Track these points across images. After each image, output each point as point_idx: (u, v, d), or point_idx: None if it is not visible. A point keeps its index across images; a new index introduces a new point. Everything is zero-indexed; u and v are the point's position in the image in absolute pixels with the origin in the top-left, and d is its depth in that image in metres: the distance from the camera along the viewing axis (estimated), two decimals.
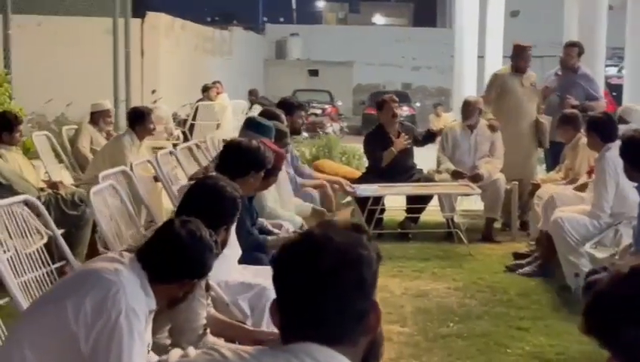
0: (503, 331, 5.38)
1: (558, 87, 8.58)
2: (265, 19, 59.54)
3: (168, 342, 3.31)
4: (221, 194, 3.39)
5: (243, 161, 4.34)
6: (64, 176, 7.86)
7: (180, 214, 3.16)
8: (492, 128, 8.40)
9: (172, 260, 2.81)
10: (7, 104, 9.01)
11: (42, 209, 4.53)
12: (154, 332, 3.03)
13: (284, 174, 5.85)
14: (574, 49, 8.60)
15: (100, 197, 4.79)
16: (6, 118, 6.59)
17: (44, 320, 2.69)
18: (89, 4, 12.97)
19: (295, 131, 7.59)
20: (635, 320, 1.42)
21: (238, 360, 1.64)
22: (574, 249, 6.06)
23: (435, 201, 8.28)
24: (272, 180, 4.87)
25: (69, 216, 6.15)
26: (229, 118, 15.10)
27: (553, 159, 8.31)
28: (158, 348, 3.14)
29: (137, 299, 2.70)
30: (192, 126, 14.44)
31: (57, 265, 4.31)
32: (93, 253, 6.33)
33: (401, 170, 8.24)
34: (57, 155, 8.29)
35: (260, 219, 5.00)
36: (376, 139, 8.34)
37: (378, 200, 7.77)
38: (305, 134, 14.90)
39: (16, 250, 4.02)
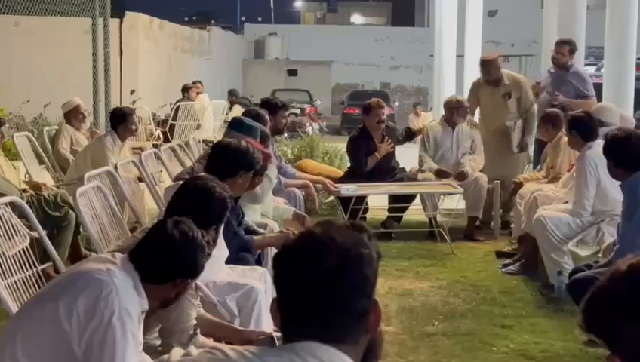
0: (488, 329, 5.42)
1: (550, 84, 8.60)
2: (243, 18, 59.47)
3: (158, 342, 3.31)
4: (211, 195, 3.40)
5: (232, 162, 4.34)
6: (45, 178, 7.81)
7: (170, 215, 3.15)
8: (472, 125, 8.45)
9: (165, 260, 2.81)
10: None
11: (28, 210, 4.50)
12: (144, 333, 3.03)
13: None
14: (565, 47, 8.56)
15: (85, 197, 4.77)
16: None
17: (36, 321, 2.68)
18: (67, 4, 12.88)
19: (278, 131, 7.60)
20: (633, 316, 1.44)
21: (241, 359, 1.64)
22: (557, 247, 6.10)
23: (417, 201, 8.31)
24: (259, 180, 4.87)
25: (52, 217, 6.12)
26: (209, 118, 15.07)
27: (540, 158, 8.35)
28: (148, 349, 3.13)
29: (130, 300, 2.70)
30: (172, 126, 14.40)
31: (43, 266, 4.29)
32: (75, 254, 6.32)
33: (384, 169, 8.26)
34: (38, 156, 8.24)
35: (245, 219, 4.99)
36: (361, 143, 8.31)
37: (361, 199, 7.78)
38: (284, 134, 14.88)
39: (2, 252, 3.99)
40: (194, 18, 62.26)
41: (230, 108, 16.74)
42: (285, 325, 1.66)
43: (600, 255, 5.57)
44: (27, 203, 5.56)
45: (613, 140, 4.85)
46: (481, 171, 8.29)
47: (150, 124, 14.02)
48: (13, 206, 4.49)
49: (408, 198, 8.29)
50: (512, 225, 7.85)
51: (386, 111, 8.70)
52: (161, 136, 13.75)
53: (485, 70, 8.63)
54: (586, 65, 9.79)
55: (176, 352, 1.70)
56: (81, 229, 6.09)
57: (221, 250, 4.04)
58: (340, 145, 10.19)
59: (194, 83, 16.41)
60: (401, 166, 8.57)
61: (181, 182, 3.86)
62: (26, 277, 4.03)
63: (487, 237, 8.18)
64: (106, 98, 11.74)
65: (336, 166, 9.65)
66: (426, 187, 8.13)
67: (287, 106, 8.42)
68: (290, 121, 16.19)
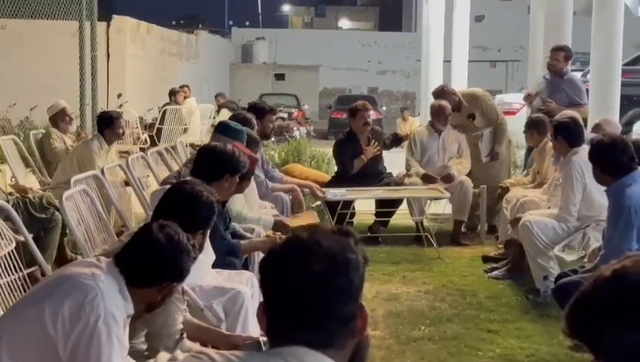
0: (474, 334, 5.43)
1: (543, 90, 8.62)
2: (230, 22, 59.48)
3: (144, 347, 3.30)
4: (198, 199, 3.39)
5: (218, 166, 4.34)
6: (31, 181, 7.78)
7: (157, 218, 3.15)
8: (458, 128, 8.49)
9: (150, 264, 2.80)
10: None
11: (13, 214, 4.49)
12: (130, 338, 3.02)
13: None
14: (560, 53, 8.57)
15: (72, 201, 4.75)
16: None
17: (21, 325, 2.67)
18: (55, 7, 12.83)
19: (265, 135, 7.60)
20: (617, 322, 1.45)
21: None
22: (543, 252, 6.13)
23: (404, 205, 8.32)
24: (246, 184, 4.87)
25: (38, 220, 6.09)
26: (196, 122, 15.06)
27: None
28: (134, 354, 3.12)
29: (116, 304, 2.69)
30: (159, 130, 14.37)
31: (29, 270, 4.27)
32: (61, 257, 6.30)
33: (370, 174, 8.27)
34: (24, 159, 8.21)
35: (232, 224, 4.99)
36: (347, 146, 8.33)
37: (348, 204, 7.79)
38: (272, 138, 14.88)
39: None
40: (181, 22, 62.27)
41: (218, 112, 16.74)
42: (272, 329, 1.66)
43: (586, 260, 5.59)
44: (13, 206, 5.54)
45: (599, 146, 4.88)
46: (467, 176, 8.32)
47: (137, 127, 13.97)
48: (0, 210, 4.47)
49: (395, 203, 8.30)
50: (499, 230, 7.87)
51: (373, 115, 8.72)
52: (148, 139, 13.72)
53: (440, 99, 8.55)
54: (573, 70, 9.82)
55: (163, 356, 1.70)
56: (67, 231, 6.07)
57: (208, 254, 4.04)
58: (327, 149, 10.20)
59: (181, 87, 16.38)
60: (388, 170, 8.59)
61: (168, 186, 3.85)
62: (11, 281, 4.02)
63: (473, 242, 8.21)
64: (93, 101, 11.72)
65: (323, 170, 9.65)
66: (413, 192, 8.14)
67: (275, 110, 8.42)
68: (277, 126, 16.18)
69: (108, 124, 7.51)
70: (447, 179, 8.14)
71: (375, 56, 39.11)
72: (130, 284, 2.77)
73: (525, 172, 8.31)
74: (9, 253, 4.19)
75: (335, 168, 8.86)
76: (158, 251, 2.80)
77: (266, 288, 1.67)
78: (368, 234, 8.12)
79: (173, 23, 58.50)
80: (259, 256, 4.85)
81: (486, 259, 7.36)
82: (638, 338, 1.42)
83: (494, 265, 7.03)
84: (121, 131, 7.66)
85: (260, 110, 7.49)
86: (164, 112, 14.62)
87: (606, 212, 5.03)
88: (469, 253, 7.77)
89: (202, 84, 26.07)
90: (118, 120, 7.63)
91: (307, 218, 6.58)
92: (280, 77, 36.82)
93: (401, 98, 37.87)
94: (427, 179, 8.18)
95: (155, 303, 2.89)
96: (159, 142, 13.24)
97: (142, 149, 11.12)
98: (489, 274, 6.90)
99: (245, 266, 4.82)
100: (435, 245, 7.67)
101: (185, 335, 3.32)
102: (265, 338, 3.13)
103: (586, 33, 9.30)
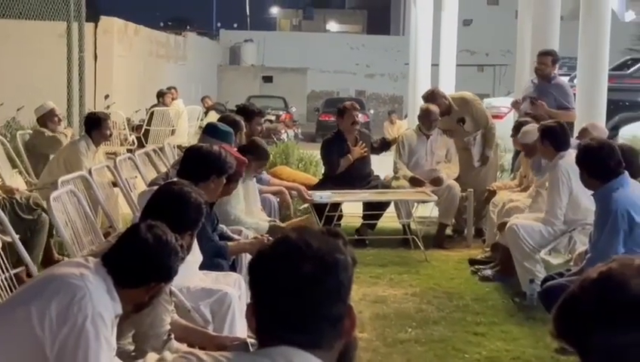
0: (461, 336, 5.44)
1: (531, 94, 8.65)
2: (219, 24, 59.46)
3: (132, 347, 3.30)
4: (186, 200, 3.40)
5: (204, 166, 4.34)
6: (17, 182, 7.74)
7: (145, 219, 3.14)
8: (447, 133, 8.51)
9: (138, 264, 2.80)
10: None
11: (0, 214, 4.47)
12: (117, 338, 3.01)
13: (253, 183, 5.86)
14: (548, 57, 8.59)
15: (59, 202, 4.74)
16: None
17: (8, 325, 2.66)
18: (42, 7, 12.79)
19: None
20: (604, 323, 1.46)
21: None
22: (529, 255, 6.15)
23: (392, 208, 8.34)
24: (234, 186, 4.87)
25: (25, 221, 6.07)
26: (184, 123, 15.05)
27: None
28: (122, 354, 3.12)
29: (104, 304, 2.69)
30: (146, 131, 14.36)
31: (16, 271, 4.26)
32: (48, 258, 6.28)
33: (358, 176, 8.29)
34: (10, 160, 8.17)
35: (220, 226, 4.99)
36: (334, 145, 8.37)
37: (335, 206, 7.80)
38: None
39: None
40: (169, 23, 62.19)
41: (205, 114, 16.73)
42: (260, 330, 1.67)
43: (572, 263, 5.61)
44: (0, 207, 5.53)
45: (586, 150, 4.90)
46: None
47: (124, 129, 13.96)
48: None
49: (382, 206, 8.32)
50: (486, 233, 7.89)
51: (361, 118, 8.71)
52: (135, 141, 13.71)
53: (430, 102, 8.57)
54: (560, 75, 9.87)
55: (151, 357, 1.69)
56: (54, 233, 6.05)
57: (195, 256, 4.04)
58: (315, 152, 10.22)
59: (169, 89, 16.37)
60: (375, 173, 8.60)
61: (156, 187, 3.85)
62: None
63: (460, 245, 8.23)
64: (80, 102, 11.67)
65: (311, 173, 9.67)
66: (400, 194, 8.16)
67: (263, 113, 8.43)
68: (265, 128, 16.20)
69: (95, 125, 7.49)
70: (436, 182, 8.17)
71: (363, 59, 39.16)
72: (118, 284, 2.76)
73: (512, 175, 8.34)
74: None
75: (323, 170, 8.87)
76: (146, 251, 2.80)
77: (255, 288, 1.68)
78: (356, 236, 8.13)
79: (161, 24, 58.45)
80: (246, 257, 4.85)
81: (473, 262, 7.38)
82: (624, 340, 1.43)
83: (481, 267, 7.06)
84: (108, 132, 7.64)
85: (248, 112, 7.49)
86: (152, 114, 14.60)
87: (592, 216, 5.05)
88: (456, 256, 7.80)
89: (190, 86, 26.03)
90: (106, 121, 7.62)
91: (304, 223, 6.58)
92: (268, 79, 36.82)
93: (388, 101, 37.92)
94: (415, 182, 8.20)
95: (142, 303, 2.88)
96: (147, 143, 13.22)
97: (129, 150, 11.10)
98: (479, 273, 6.93)
99: (233, 268, 4.82)
100: (422, 248, 7.69)
101: (172, 336, 3.32)
102: (252, 340, 3.14)
103: (573, 38, 9.33)
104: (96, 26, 18.36)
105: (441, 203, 8.22)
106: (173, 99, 15.94)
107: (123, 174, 6.42)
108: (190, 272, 4.05)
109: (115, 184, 6.58)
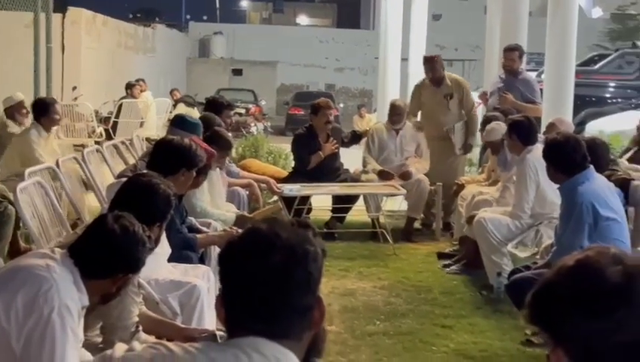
0: (428, 329, 5.48)
1: (499, 89, 8.71)
2: (188, 17, 59.14)
3: (99, 339, 3.28)
4: (155, 192, 3.38)
5: (174, 159, 4.32)
6: None
7: (113, 211, 3.12)
8: (417, 128, 8.54)
9: (105, 255, 2.78)
10: None
11: None
12: (85, 330, 3.00)
13: (217, 174, 5.83)
14: (514, 53, 8.68)
15: (26, 194, 4.70)
16: None
17: None
18: None
19: None
20: (578, 310, 1.48)
21: (185, 354, 1.64)
22: (497, 249, 6.20)
23: (361, 201, 8.36)
24: (202, 179, 4.85)
25: None
26: (152, 116, 14.96)
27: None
28: (89, 346, 3.10)
29: (70, 296, 2.67)
30: (115, 124, 14.25)
31: None
32: (15, 249, 6.21)
33: (327, 170, 8.29)
34: None
35: (188, 218, 4.97)
36: (305, 141, 8.34)
37: (305, 199, 7.81)
38: (229, 133, 14.83)
39: None
40: (138, 15, 61.74)
41: (174, 107, 16.64)
42: (230, 320, 1.67)
43: (538, 256, 5.67)
44: None
45: (553, 144, 4.94)
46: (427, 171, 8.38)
47: (92, 120, 13.86)
48: None
49: (352, 199, 8.34)
50: (454, 227, 7.94)
51: (333, 112, 8.71)
52: (103, 133, 13.61)
53: (429, 67, 8.73)
54: (528, 70, 9.94)
55: (120, 347, 1.69)
56: (21, 225, 6.00)
57: (164, 248, 4.02)
58: (285, 145, 10.20)
59: (137, 81, 16.27)
60: (345, 167, 8.61)
61: (124, 179, 3.83)
62: None
63: (429, 239, 8.28)
64: (48, 94, 11.55)
65: (280, 166, 9.65)
66: (370, 188, 8.18)
67: (232, 106, 8.40)
68: (234, 121, 16.16)
69: (44, 111, 7.40)
70: (405, 176, 8.20)
71: (333, 53, 39.17)
72: (84, 276, 2.74)
73: (480, 169, 8.40)
74: None
75: (292, 164, 8.87)
76: (113, 242, 2.79)
77: (224, 279, 1.68)
78: (325, 229, 8.14)
79: (130, 15, 58.00)
80: (215, 250, 4.83)
81: (441, 255, 7.43)
82: (598, 326, 1.45)
83: (449, 262, 7.11)
84: (57, 117, 7.54)
85: (217, 105, 7.46)
86: (120, 106, 14.49)
87: (558, 209, 5.10)
88: (425, 250, 7.84)
89: (159, 78, 25.88)
90: (54, 105, 7.52)
91: (272, 212, 6.57)
92: (237, 72, 36.69)
93: (358, 95, 37.98)
94: (384, 175, 8.23)
95: (110, 295, 2.87)
96: (115, 135, 13.13)
97: (97, 143, 11.01)
98: (447, 269, 6.97)
99: (201, 260, 4.80)
100: (390, 241, 7.72)
101: (140, 328, 3.31)
102: (221, 332, 3.14)
103: (541, 33, 9.40)
104: (63, 17, 18.16)
105: (410, 197, 8.25)
106: (141, 91, 15.84)
107: (91, 166, 6.37)
108: (159, 264, 4.03)
109: (83, 176, 6.52)
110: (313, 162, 8.24)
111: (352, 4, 48.99)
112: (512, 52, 8.70)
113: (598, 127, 13.03)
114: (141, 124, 14.33)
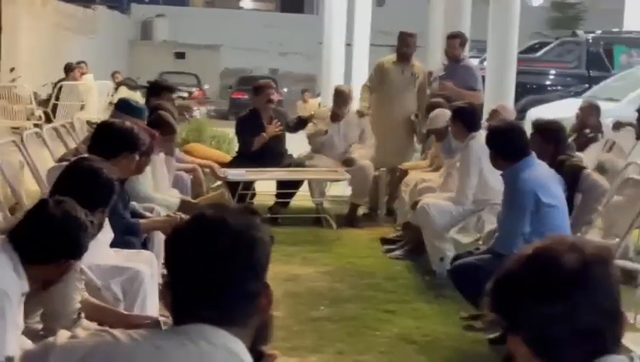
0: (372, 314, 5.51)
1: (441, 76, 8.77)
2: None
3: (40, 326, 3.21)
4: (97, 176, 3.32)
5: (116, 142, 4.25)
6: None
7: (54, 196, 3.06)
8: (360, 114, 8.54)
9: (47, 240, 2.73)
10: None
11: None
12: (25, 317, 2.94)
13: (160, 159, 5.76)
14: (456, 40, 8.73)
15: None
16: None
17: None
18: None
19: None
20: (537, 295, 1.50)
21: (131, 341, 1.62)
22: (439, 234, 6.26)
23: (305, 187, 8.36)
24: (145, 162, 4.78)
25: None
26: (94, 99, 14.73)
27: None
28: (29, 333, 3.04)
29: (9, 282, 2.62)
30: (54, 106, 13.99)
31: None
32: None
33: (272, 155, 8.26)
34: None
35: (131, 203, 4.90)
36: (249, 123, 8.32)
37: (249, 184, 7.77)
38: None
39: None
40: None
41: (116, 90, 16.41)
42: (176, 306, 1.65)
43: (480, 242, 5.73)
44: None
45: (495, 131, 5.00)
46: (373, 156, 8.38)
47: (31, 103, 13.59)
48: None
49: (296, 184, 8.33)
50: (397, 212, 7.98)
51: (275, 96, 8.68)
52: (42, 116, 13.36)
53: (410, 41, 8.74)
54: (470, 57, 10.04)
55: (63, 334, 1.66)
56: None
57: (106, 233, 3.96)
58: (228, 129, 10.14)
59: (78, 63, 15.98)
60: (289, 152, 8.59)
61: (65, 163, 3.75)
62: None
63: (372, 224, 8.31)
64: None
65: (224, 150, 9.60)
66: (314, 173, 8.18)
67: (174, 89, 8.31)
68: (177, 105, 16.01)
69: None
70: (348, 163, 8.21)
71: (276, 38, 38.98)
72: (25, 261, 2.69)
73: (423, 155, 8.46)
74: None
75: (236, 148, 8.82)
76: (55, 226, 2.74)
77: (171, 264, 1.66)
78: (268, 214, 8.12)
79: None
80: (158, 235, 4.78)
81: (384, 241, 7.46)
82: (552, 311, 1.48)
83: (393, 247, 7.14)
84: None
85: (159, 88, 7.37)
86: (60, 88, 14.23)
87: (501, 196, 5.16)
88: (368, 235, 7.87)
89: (100, 61, 25.44)
90: None
91: (216, 199, 6.51)
92: (180, 55, 36.28)
93: (302, 80, 37.88)
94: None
95: (51, 281, 2.82)
96: (55, 118, 12.90)
97: (36, 125, 10.81)
98: (390, 254, 7.01)
99: (144, 246, 4.74)
100: (334, 227, 7.74)
101: (82, 315, 3.26)
102: (164, 319, 3.10)
103: (484, 21, 9.49)
104: None
105: (354, 182, 8.27)
106: (82, 73, 15.58)
107: (30, 149, 6.23)
108: (101, 250, 3.96)
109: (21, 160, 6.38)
110: (257, 144, 8.20)
111: None
112: (454, 39, 8.77)
113: (538, 115, 13.19)
114: (82, 107, 14.10)
